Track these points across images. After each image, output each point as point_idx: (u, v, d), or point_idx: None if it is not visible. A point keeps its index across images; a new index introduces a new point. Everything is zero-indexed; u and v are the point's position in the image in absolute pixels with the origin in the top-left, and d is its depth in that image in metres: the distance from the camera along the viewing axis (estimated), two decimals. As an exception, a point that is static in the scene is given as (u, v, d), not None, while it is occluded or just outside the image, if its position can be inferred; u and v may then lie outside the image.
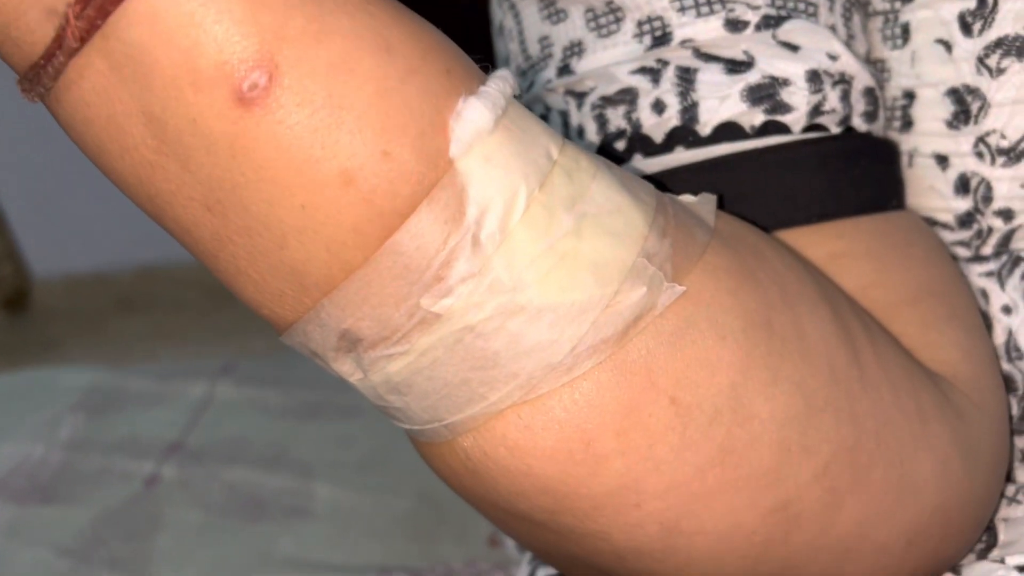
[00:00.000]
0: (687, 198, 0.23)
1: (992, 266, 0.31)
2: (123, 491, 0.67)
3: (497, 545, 0.57)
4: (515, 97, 0.21)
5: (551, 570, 0.34)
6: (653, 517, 0.21)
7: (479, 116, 0.19)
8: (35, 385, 0.83)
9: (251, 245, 0.19)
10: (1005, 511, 0.30)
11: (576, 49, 0.29)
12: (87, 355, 1.89)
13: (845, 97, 0.28)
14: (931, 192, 0.31)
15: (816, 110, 0.27)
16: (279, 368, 0.77)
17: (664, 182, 0.27)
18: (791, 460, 0.21)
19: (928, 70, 0.30)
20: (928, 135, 0.31)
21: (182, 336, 1.88)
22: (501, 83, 0.20)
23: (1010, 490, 0.30)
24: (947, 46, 0.30)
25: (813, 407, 0.22)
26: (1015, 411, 0.30)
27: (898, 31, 0.30)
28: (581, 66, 0.29)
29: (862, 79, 0.28)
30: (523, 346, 0.20)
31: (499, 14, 0.33)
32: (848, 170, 0.28)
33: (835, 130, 0.28)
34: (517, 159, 0.19)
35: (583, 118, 0.29)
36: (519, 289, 0.19)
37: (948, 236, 0.31)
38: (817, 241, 0.26)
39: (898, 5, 0.30)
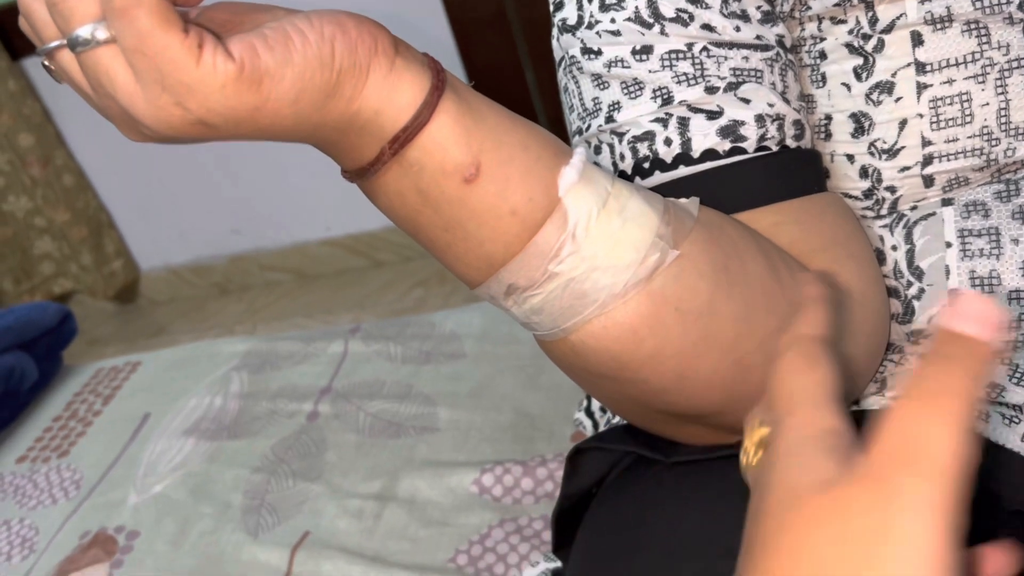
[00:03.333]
0: (682, 200, 0.42)
1: (886, 221, 0.49)
2: (292, 425, 0.84)
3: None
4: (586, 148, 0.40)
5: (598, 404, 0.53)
6: (671, 369, 0.40)
7: (572, 175, 0.38)
8: (201, 354, 1.00)
9: (466, 245, 0.38)
10: (893, 369, 0.48)
11: (616, 106, 0.47)
12: (191, 336, 2.05)
13: (780, 128, 0.46)
14: (845, 178, 0.49)
15: (762, 138, 0.45)
16: (394, 328, 0.93)
17: (673, 187, 0.45)
18: (741, 336, 0.40)
19: (837, 102, 0.48)
20: (840, 142, 0.49)
21: (274, 313, 2.04)
22: (582, 154, 0.38)
23: (897, 357, 0.48)
24: (848, 87, 0.47)
25: (751, 308, 0.40)
26: (900, 308, 0.48)
27: (818, 77, 0.48)
28: (620, 117, 0.47)
29: (791, 116, 0.46)
30: (599, 286, 0.38)
31: (564, 79, 0.51)
32: (782, 172, 0.46)
33: (775, 148, 0.46)
34: (591, 195, 0.38)
35: (623, 148, 0.47)
36: (596, 258, 0.38)
37: (857, 204, 0.49)
38: (762, 216, 0.44)
39: (818, 62, 0.48)
